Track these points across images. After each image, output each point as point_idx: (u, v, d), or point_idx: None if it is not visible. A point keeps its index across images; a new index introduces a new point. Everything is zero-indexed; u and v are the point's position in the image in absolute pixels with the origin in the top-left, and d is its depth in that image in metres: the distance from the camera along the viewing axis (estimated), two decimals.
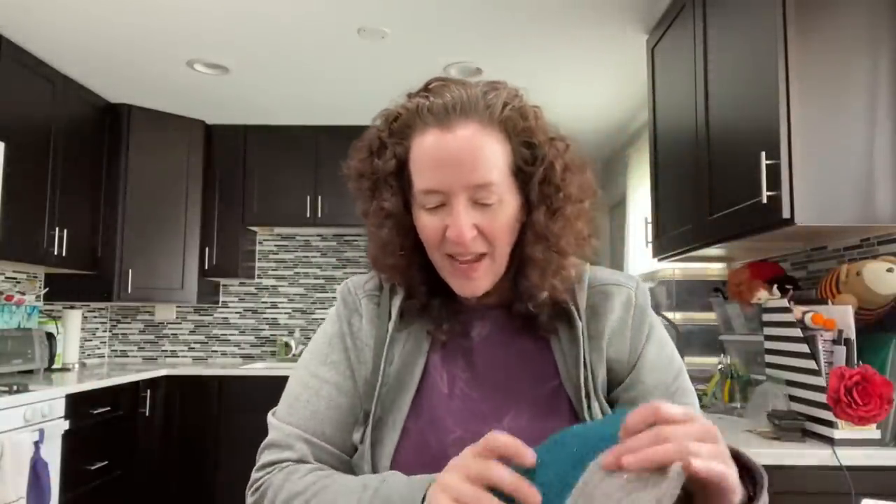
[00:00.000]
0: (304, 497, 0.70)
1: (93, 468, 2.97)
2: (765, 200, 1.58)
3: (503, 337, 0.81)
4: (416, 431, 0.75)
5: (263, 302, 4.42)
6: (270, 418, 0.82)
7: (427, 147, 0.74)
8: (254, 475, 0.78)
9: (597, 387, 0.76)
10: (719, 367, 2.18)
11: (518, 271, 0.79)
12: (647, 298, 0.82)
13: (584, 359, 0.76)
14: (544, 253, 0.76)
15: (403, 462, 0.73)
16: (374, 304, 0.84)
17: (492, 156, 0.73)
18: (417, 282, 0.81)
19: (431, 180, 0.73)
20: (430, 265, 0.80)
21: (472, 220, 0.73)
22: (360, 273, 0.89)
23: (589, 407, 0.74)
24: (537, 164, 0.76)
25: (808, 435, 1.61)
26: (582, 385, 0.74)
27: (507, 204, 0.75)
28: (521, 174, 0.76)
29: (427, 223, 0.76)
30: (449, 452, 0.67)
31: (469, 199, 0.73)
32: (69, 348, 3.59)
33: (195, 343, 4.37)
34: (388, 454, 0.74)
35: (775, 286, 1.87)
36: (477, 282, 0.76)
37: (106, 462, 3.08)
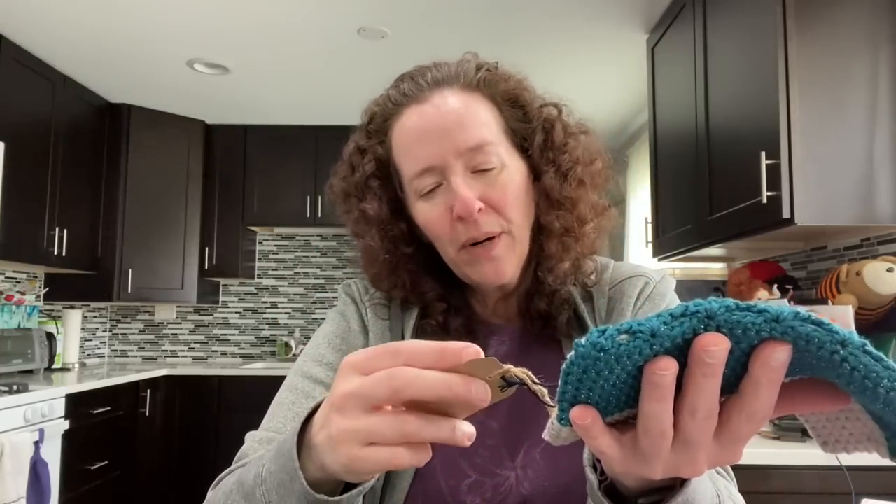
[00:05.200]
0: (229, 488, 0.52)
1: (93, 468, 2.97)
2: (765, 200, 1.58)
3: (521, 355, 0.72)
4: (428, 476, 0.65)
5: (263, 302, 4.41)
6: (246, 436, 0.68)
7: (407, 125, 0.66)
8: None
9: None
10: None
11: (539, 260, 0.71)
12: (668, 289, 0.75)
13: None
14: (562, 219, 0.68)
15: None
16: (382, 319, 0.74)
17: (479, 115, 0.66)
18: (433, 298, 0.72)
19: (419, 157, 0.65)
20: (444, 280, 0.72)
21: (476, 192, 0.64)
22: (360, 273, 0.81)
23: None
24: (533, 124, 0.69)
25: (808, 435, 1.59)
26: None
27: (511, 170, 0.66)
28: (519, 139, 0.69)
29: (428, 213, 0.67)
30: (465, 500, 0.63)
31: (466, 168, 0.65)
32: (69, 348, 3.58)
33: (195, 343, 4.37)
34: (396, 501, 0.64)
35: (775, 286, 1.88)
36: (500, 262, 0.66)
37: (106, 462, 3.08)
